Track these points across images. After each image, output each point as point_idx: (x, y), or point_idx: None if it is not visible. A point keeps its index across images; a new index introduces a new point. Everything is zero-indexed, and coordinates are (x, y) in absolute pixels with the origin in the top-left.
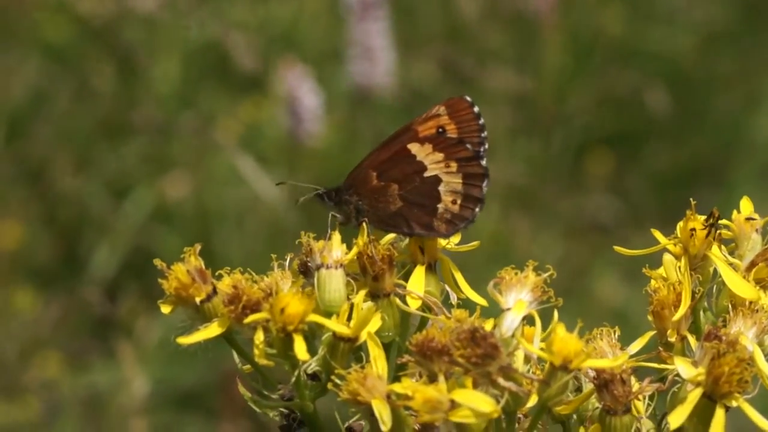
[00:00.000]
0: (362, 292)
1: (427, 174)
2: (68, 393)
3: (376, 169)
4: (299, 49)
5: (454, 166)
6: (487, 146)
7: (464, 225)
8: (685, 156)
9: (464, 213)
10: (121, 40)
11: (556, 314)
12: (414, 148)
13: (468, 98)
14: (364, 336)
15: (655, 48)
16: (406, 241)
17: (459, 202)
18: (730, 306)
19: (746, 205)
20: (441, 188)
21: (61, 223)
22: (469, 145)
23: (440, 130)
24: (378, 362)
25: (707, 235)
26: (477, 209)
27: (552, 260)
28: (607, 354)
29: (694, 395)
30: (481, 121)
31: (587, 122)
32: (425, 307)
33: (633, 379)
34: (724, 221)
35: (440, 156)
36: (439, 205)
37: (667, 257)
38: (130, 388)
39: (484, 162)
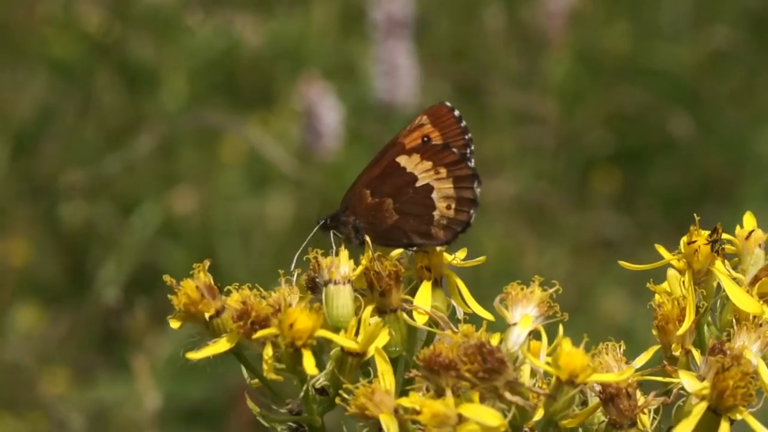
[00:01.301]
0: (369, 308)
1: (418, 184)
2: (76, 409)
3: (369, 186)
4: (307, 64)
5: (443, 171)
6: (473, 147)
7: (462, 229)
8: (693, 173)
9: (460, 216)
10: (129, 54)
11: (561, 329)
12: (403, 160)
13: (448, 103)
14: (371, 351)
15: (662, 65)
16: (412, 256)
17: (453, 206)
18: (734, 320)
19: (749, 221)
20: (434, 195)
21: (67, 239)
22: (455, 149)
23: (425, 139)
24: (386, 377)
25: (711, 250)
26: (472, 211)
27: (559, 276)
28: (613, 368)
29: (699, 409)
30: (463, 123)
31: (595, 139)
32: (432, 322)
33: (638, 393)
34: (727, 236)
35: (429, 164)
36: (435, 213)
37: (671, 272)
38: (142, 403)
39: (471, 163)
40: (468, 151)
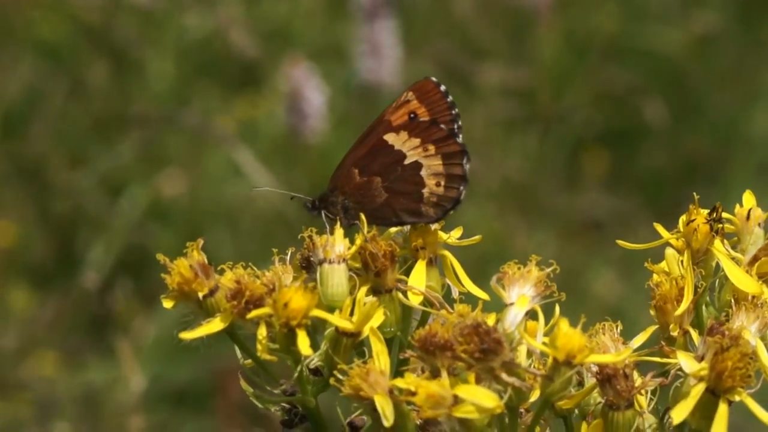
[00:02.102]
0: (364, 288)
1: (407, 161)
2: (64, 391)
3: (357, 165)
4: (295, 45)
5: (431, 148)
6: (460, 122)
7: (452, 206)
8: (681, 154)
9: (450, 193)
10: (116, 37)
11: (557, 309)
12: (390, 138)
13: (434, 79)
14: (366, 331)
15: (651, 46)
16: (407, 235)
17: (443, 183)
18: (732, 300)
19: (748, 199)
20: (423, 173)
21: (56, 221)
22: (442, 125)
23: (412, 115)
24: (381, 357)
25: (710, 230)
26: (462, 188)
27: (547, 257)
28: (610, 349)
29: (697, 390)
30: (450, 98)
31: (583, 120)
32: (427, 302)
33: (635, 374)
34: (726, 215)
35: (417, 141)
36: (424, 190)
37: (670, 251)
38: (128, 386)
39: (460, 139)
40: (455, 126)
